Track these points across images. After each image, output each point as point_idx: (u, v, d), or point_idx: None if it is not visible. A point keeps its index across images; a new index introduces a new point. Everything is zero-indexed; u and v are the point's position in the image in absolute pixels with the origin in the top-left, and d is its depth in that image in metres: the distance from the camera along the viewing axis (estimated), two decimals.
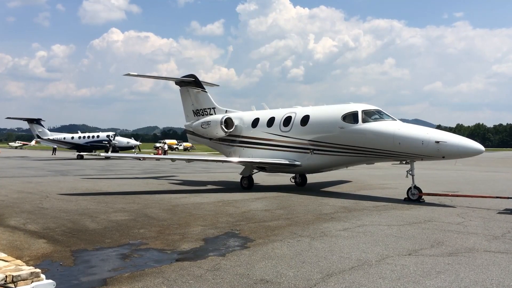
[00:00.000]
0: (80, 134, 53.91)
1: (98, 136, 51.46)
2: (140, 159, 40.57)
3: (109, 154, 40.35)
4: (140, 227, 9.40)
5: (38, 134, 53.72)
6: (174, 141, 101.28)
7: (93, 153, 40.12)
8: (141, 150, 58.97)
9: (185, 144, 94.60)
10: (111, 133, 51.91)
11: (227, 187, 18.85)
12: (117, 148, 49.56)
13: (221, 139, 20.73)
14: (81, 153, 30.82)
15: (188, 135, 23.57)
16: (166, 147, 64.72)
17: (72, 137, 52.82)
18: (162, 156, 39.70)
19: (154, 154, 56.87)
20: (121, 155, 34.47)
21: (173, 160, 20.77)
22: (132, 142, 53.27)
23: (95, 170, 28.84)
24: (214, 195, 15.51)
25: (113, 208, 12.00)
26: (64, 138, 53.10)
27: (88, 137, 51.74)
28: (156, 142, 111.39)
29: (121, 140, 51.64)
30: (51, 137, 53.30)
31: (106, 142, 49.09)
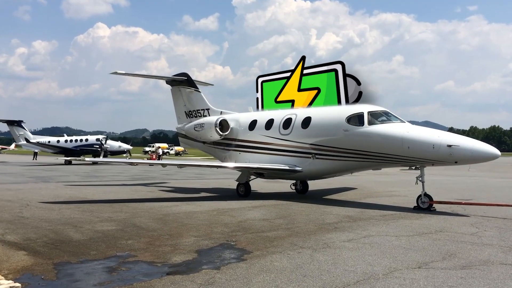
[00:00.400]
0: (66, 137, 53.81)
1: (87, 140, 51.39)
2: (133, 164, 40.50)
3: (99, 159, 40.29)
4: (128, 238, 9.39)
5: (26, 137, 53.52)
6: (165, 145, 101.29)
7: (78, 158, 39.95)
8: (131, 154, 59.00)
9: (176, 148, 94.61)
10: (101, 137, 52.00)
11: (222, 194, 18.84)
12: (108, 153, 49.75)
13: (215, 143, 20.73)
14: (69, 158, 30.81)
15: (180, 138, 23.55)
16: (160, 151, 64.48)
17: (58, 141, 52.56)
18: (153, 161, 39.66)
19: (147, 159, 56.79)
20: (111, 160, 34.33)
21: (163, 165, 20.76)
22: (124, 146, 53.44)
23: (80, 176, 28.79)
24: (208, 203, 15.50)
25: (99, 218, 11.98)
26: (49, 141, 52.81)
27: (76, 140, 51.64)
28: (146, 146, 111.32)
29: (112, 144, 51.88)
30: (40, 141, 53.04)
31: (98, 146, 49.14)
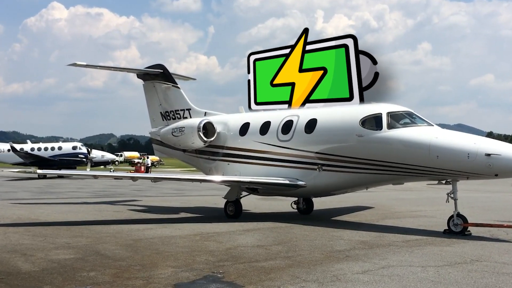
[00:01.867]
0: (31, 144, 53.68)
1: (60, 148, 51.45)
2: (118, 178, 40.38)
3: (85, 172, 39.31)
4: (90, 269, 9.37)
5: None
6: (136, 154, 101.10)
7: (29, 170, 39.65)
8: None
9: (150, 157, 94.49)
10: (78, 144, 52.42)
11: (206, 215, 18.86)
12: (93, 164, 50.08)
13: (198, 151, 20.70)
14: (17, 170, 30.73)
15: (154, 145, 23.53)
16: (149, 161, 64.23)
17: (22, 149, 52.25)
18: (142, 174, 39.33)
19: (133, 171, 56.56)
20: (84, 174, 32.82)
21: (134, 179, 20.74)
22: (108, 156, 53.76)
23: (31, 193, 28.67)
24: (189, 226, 15.52)
25: (54, 244, 11.96)
26: (9, 150, 52.44)
27: (46, 149, 51.43)
28: (113, 155, 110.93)
29: (96, 154, 52.15)
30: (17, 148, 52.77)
31: (83, 156, 49.33)
